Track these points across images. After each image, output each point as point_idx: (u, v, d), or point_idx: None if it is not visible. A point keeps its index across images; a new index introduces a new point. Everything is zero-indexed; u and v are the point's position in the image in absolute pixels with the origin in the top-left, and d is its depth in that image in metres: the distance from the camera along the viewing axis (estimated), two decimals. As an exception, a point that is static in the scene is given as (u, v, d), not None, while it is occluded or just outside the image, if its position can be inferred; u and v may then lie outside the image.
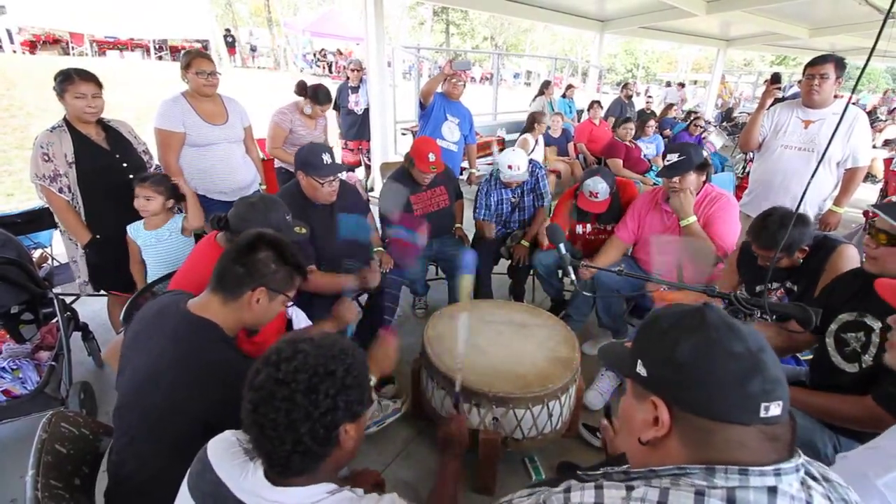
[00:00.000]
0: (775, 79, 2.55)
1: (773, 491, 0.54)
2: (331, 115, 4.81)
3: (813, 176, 1.09)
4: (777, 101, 2.69)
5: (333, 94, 4.97)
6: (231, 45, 18.47)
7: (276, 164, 3.31)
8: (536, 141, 5.07)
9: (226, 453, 0.80)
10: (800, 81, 2.52)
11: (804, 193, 0.98)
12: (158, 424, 1.01)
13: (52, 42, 14.39)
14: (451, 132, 3.49)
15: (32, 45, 13.89)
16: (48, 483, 0.96)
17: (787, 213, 1.61)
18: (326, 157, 2.00)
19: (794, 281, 1.69)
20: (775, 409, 0.56)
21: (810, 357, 1.80)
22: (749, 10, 5.90)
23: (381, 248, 2.45)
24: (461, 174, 4.00)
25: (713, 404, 0.57)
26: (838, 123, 1.10)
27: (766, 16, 6.45)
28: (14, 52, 13.23)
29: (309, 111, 3.12)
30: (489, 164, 5.39)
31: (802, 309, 1.09)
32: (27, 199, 4.81)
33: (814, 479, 0.58)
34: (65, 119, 1.99)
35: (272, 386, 0.74)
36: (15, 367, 1.78)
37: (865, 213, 3.75)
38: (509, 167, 2.61)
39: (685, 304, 0.66)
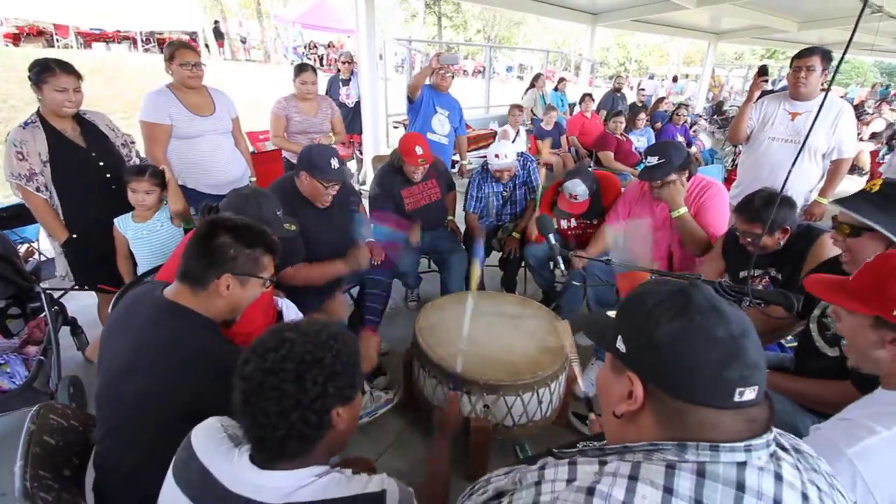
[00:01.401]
0: (762, 71, 2.57)
1: (742, 465, 0.55)
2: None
3: (794, 164, 1.11)
4: (765, 93, 2.72)
5: (324, 87, 4.99)
6: (220, 38, 18.22)
7: (284, 154, 3.31)
8: (517, 132, 5.09)
9: (211, 441, 0.80)
10: (789, 75, 2.54)
11: (785, 181, 1.00)
12: (137, 413, 1.00)
13: (36, 34, 14.08)
14: (441, 124, 3.48)
15: (16, 38, 13.59)
16: (37, 474, 0.95)
17: (775, 192, 1.64)
18: (334, 162, 1.97)
19: (777, 269, 1.72)
20: (750, 393, 0.56)
21: (795, 344, 1.84)
22: (739, 3, 5.93)
23: (371, 239, 2.45)
24: (453, 167, 3.99)
25: (687, 388, 0.57)
26: (817, 114, 1.12)
27: (755, 9, 6.48)
28: (-4, 44, 12.95)
29: (296, 90, 3.13)
30: (483, 156, 5.40)
31: (785, 295, 1.12)
32: (13, 193, 4.74)
33: (784, 450, 0.59)
34: (38, 113, 1.92)
35: (261, 376, 0.74)
36: (2, 361, 1.76)
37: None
38: (496, 156, 2.62)
39: (672, 282, 0.64)
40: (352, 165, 5.22)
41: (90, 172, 2.02)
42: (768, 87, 2.65)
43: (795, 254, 1.66)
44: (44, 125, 1.91)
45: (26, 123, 1.90)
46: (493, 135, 6.06)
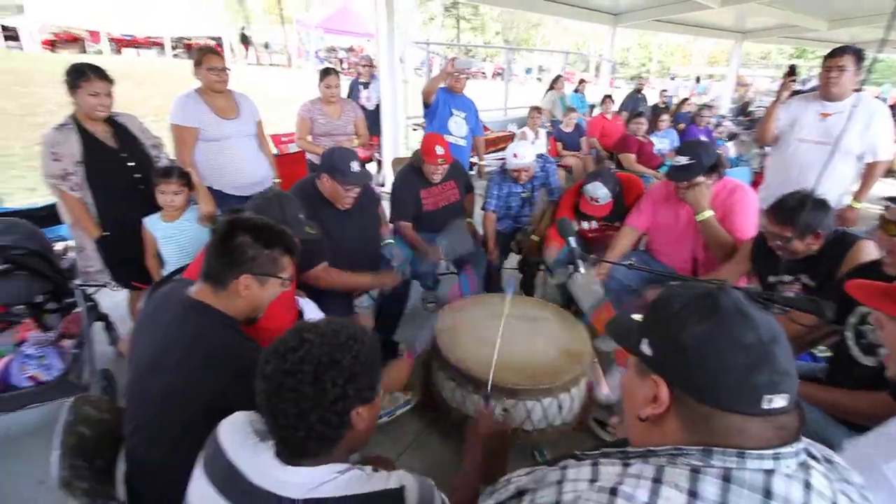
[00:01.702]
0: (791, 71, 2.51)
1: (769, 472, 0.53)
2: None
3: (825, 167, 1.08)
4: (794, 94, 2.65)
5: (345, 91, 5.06)
6: (246, 42, 18.71)
7: (308, 156, 3.37)
8: (536, 134, 5.07)
9: (237, 435, 0.82)
10: (819, 75, 2.47)
11: (816, 184, 0.97)
12: (162, 409, 1.02)
13: (72, 40, 14.66)
14: (458, 127, 3.48)
15: (52, 44, 14.18)
16: (73, 463, 0.99)
17: (809, 194, 1.57)
18: (355, 165, 2.01)
19: (810, 275, 1.67)
20: (780, 401, 0.54)
21: (827, 354, 1.78)
22: (765, 2, 5.78)
23: (391, 241, 2.47)
24: (471, 169, 3.99)
25: (715, 392, 0.56)
26: (850, 115, 1.10)
27: (782, 7, 6.30)
28: (34, 50, 13.52)
29: (320, 93, 3.20)
30: (501, 159, 5.39)
31: (815, 302, 1.08)
32: (49, 193, 4.94)
33: (815, 459, 0.57)
34: (73, 116, 2.00)
35: (280, 377, 0.75)
36: (40, 354, 1.84)
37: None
38: (515, 155, 2.62)
39: (699, 285, 0.63)
40: (371, 167, 5.29)
41: (121, 172, 2.09)
42: (797, 87, 2.58)
43: (830, 260, 1.60)
44: (78, 127, 1.99)
45: (61, 126, 1.97)
46: (512, 137, 6.04)
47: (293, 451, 0.77)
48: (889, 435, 0.84)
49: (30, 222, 2.13)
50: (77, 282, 2.10)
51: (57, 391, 1.71)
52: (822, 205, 1.58)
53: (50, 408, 1.74)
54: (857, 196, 2.54)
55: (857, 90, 2.47)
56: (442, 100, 3.42)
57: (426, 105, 3.45)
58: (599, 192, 2.35)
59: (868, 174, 2.49)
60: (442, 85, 3.44)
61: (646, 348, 0.62)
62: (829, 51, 2.39)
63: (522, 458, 1.82)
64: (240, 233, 1.12)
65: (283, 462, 0.77)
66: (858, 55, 2.31)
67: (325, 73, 3.20)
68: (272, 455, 0.78)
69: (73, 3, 13.04)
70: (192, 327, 1.07)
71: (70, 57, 12.11)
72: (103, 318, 2.28)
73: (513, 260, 3.01)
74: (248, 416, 0.86)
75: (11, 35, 13.73)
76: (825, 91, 2.41)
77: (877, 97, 8.69)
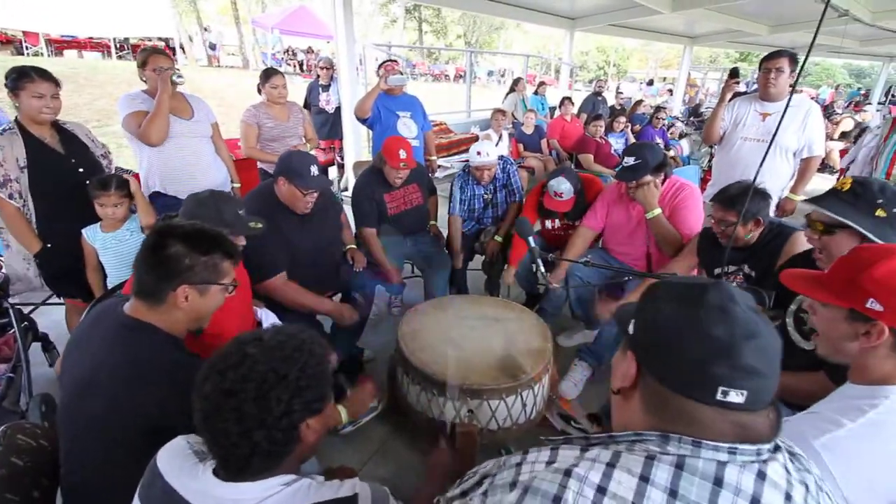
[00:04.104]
0: (734, 73, 2.64)
1: (722, 463, 0.55)
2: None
3: (763, 162, 1.14)
4: (738, 95, 2.79)
5: (304, 93, 4.95)
6: (214, 48, 18.18)
7: (259, 164, 3.24)
8: (500, 136, 5.14)
9: (175, 459, 0.78)
10: (759, 77, 2.62)
11: (755, 178, 1.03)
12: (98, 431, 0.96)
13: (5, 42, 13.72)
14: (407, 128, 3.40)
15: (-18, 46, 13.22)
16: (4, 498, 0.92)
17: (751, 184, 1.67)
18: (314, 169, 1.95)
19: (751, 266, 1.76)
20: (735, 396, 0.55)
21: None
22: (711, 8, 6.09)
23: (353, 247, 2.43)
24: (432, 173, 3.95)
25: (672, 375, 0.59)
26: (783, 113, 1.16)
27: (727, 13, 6.67)
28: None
29: (265, 96, 3.06)
30: (465, 160, 5.41)
31: (756, 292, 1.14)
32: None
33: (777, 450, 0.59)
34: (16, 120, 1.91)
35: (219, 397, 0.71)
36: (-31, 380, 1.70)
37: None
38: (478, 153, 2.65)
39: (698, 279, 0.68)
40: (333, 171, 5.19)
41: (69, 178, 2.00)
42: (742, 88, 2.73)
43: (769, 251, 1.71)
44: (22, 132, 1.89)
45: (3, 130, 1.88)
46: (475, 139, 6.09)
47: (235, 469, 0.74)
48: (818, 413, 0.89)
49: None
50: (12, 300, 1.96)
51: (-11, 419, 1.58)
52: (762, 194, 1.71)
53: (-19, 438, 1.61)
54: (795, 189, 2.70)
55: (794, 91, 2.64)
56: (382, 106, 3.31)
57: (362, 120, 3.35)
58: (563, 186, 2.41)
59: (804, 169, 2.65)
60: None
61: (631, 327, 0.67)
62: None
63: (489, 457, 1.82)
64: (172, 242, 1.04)
65: (221, 479, 0.73)
66: (793, 58, 2.46)
67: (271, 73, 3.06)
68: (210, 473, 0.74)
69: (5, 2, 12.16)
70: (124, 346, 1.01)
71: (3, 59, 11.31)
72: (42, 338, 2.13)
73: (477, 261, 3.03)
74: (187, 438, 0.82)
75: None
76: (764, 92, 2.56)
77: (813, 98, 9.30)
